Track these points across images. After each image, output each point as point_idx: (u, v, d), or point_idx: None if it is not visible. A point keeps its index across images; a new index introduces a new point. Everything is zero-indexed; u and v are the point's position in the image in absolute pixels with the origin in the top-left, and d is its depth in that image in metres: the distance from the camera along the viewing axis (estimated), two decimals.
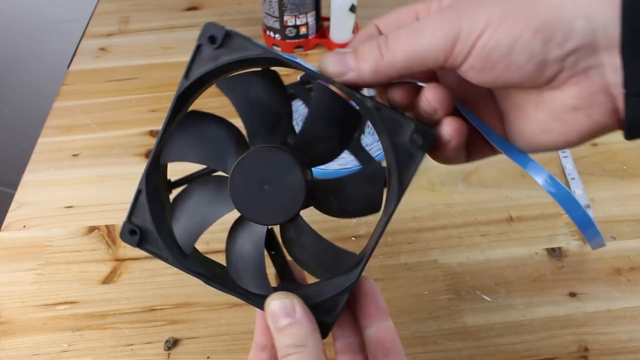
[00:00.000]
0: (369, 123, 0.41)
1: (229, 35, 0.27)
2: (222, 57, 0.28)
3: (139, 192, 0.29)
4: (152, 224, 0.28)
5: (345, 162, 0.51)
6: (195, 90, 0.31)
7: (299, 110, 0.57)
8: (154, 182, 0.30)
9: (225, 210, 0.29)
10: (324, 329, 0.26)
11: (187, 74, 0.29)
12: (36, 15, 1.01)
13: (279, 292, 0.26)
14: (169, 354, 0.38)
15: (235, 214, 0.28)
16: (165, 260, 0.28)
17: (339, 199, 0.27)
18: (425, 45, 0.23)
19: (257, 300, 0.27)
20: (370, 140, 0.54)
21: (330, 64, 0.26)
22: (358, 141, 0.53)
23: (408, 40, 0.24)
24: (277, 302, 0.26)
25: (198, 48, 0.28)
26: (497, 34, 0.22)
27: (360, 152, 0.52)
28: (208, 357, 0.38)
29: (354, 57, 0.26)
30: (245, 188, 0.27)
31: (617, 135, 0.59)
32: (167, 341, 0.39)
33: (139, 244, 0.28)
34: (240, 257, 0.28)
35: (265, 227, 0.28)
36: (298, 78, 0.60)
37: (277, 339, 0.25)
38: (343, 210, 0.28)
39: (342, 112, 0.26)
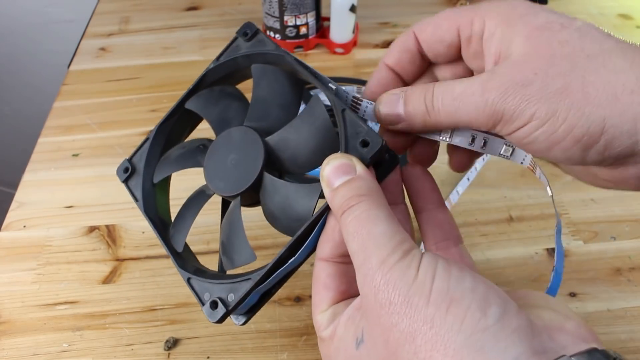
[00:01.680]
0: None
1: (257, 32, 0.31)
2: (244, 48, 0.32)
3: (146, 138, 0.34)
4: (143, 164, 0.33)
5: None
6: (221, 76, 0.35)
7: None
8: (168, 129, 0.35)
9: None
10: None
11: (218, 58, 0.34)
12: (36, 15, 1.01)
13: (336, 154, 0.24)
14: (169, 354, 0.38)
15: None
16: (135, 200, 0.32)
17: (292, 149, 0.28)
18: (466, 118, 0.24)
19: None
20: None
21: (384, 108, 0.27)
22: None
23: (451, 106, 0.24)
24: (334, 162, 0.24)
25: (234, 39, 0.32)
26: (537, 133, 0.22)
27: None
28: (208, 357, 0.38)
29: (405, 106, 0.26)
30: (216, 166, 0.29)
31: None
32: (167, 341, 0.39)
33: (125, 180, 0.32)
34: (227, 239, 0.29)
35: (237, 199, 0.29)
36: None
37: (334, 199, 0.23)
38: (295, 163, 0.28)
39: (287, 83, 0.30)
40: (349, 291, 0.25)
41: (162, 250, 0.45)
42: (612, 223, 0.47)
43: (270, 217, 0.28)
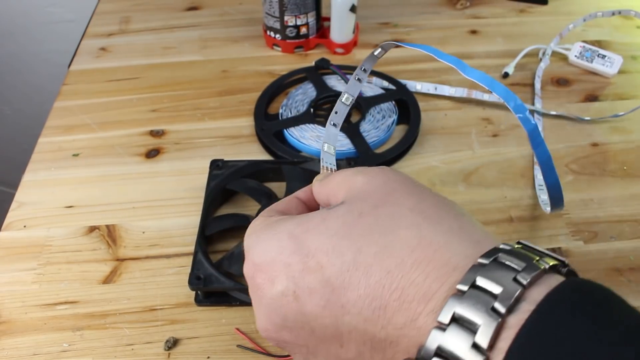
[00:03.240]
0: (370, 110, 0.55)
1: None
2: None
3: (196, 253, 0.42)
4: (213, 269, 0.40)
5: (340, 145, 0.52)
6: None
7: (307, 92, 0.59)
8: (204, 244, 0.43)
9: None
10: None
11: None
12: (37, 15, 1.01)
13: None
14: (169, 354, 0.38)
15: None
16: (230, 288, 0.40)
17: None
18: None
19: None
20: (369, 127, 0.54)
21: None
22: (357, 127, 0.54)
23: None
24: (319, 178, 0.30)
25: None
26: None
27: (356, 137, 0.52)
28: (208, 357, 0.38)
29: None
30: None
31: (617, 136, 0.59)
32: (167, 341, 0.39)
33: (205, 285, 0.39)
34: None
35: None
36: (313, 63, 0.61)
37: (324, 179, 0.29)
38: None
39: (307, 176, 0.46)
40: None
41: (163, 250, 0.45)
42: (612, 223, 0.47)
43: None
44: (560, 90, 0.61)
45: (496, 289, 0.19)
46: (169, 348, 0.39)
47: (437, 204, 0.24)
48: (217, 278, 0.40)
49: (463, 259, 0.21)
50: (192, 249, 0.43)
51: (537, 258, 0.21)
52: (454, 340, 0.19)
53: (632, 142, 0.54)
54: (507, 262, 0.20)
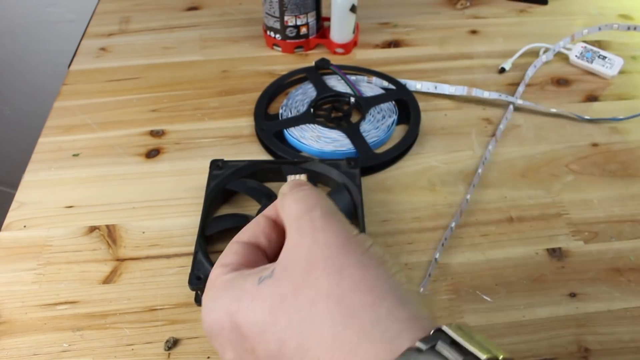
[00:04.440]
0: (370, 110, 0.56)
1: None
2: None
3: (196, 253, 0.41)
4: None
5: (340, 145, 0.52)
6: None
7: (307, 92, 0.59)
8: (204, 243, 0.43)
9: None
10: None
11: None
12: (37, 14, 1.01)
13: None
14: (169, 354, 0.38)
15: None
16: None
17: None
18: None
19: None
20: (369, 127, 0.54)
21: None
22: (357, 127, 0.54)
23: None
24: (288, 184, 0.29)
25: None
26: None
27: (356, 137, 0.53)
28: (208, 357, 0.38)
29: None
30: None
31: (617, 136, 0.60)
32: (167, 341, 0.39)
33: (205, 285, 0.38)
34: None
35: None
36: (314, 63, 0.61)
37: (284, 197, 0.28)
38: None
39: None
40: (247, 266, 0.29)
41: (163, 250, 0.45)
42: (612, 223, 0.47)
43: None
44: (560, 90, 0.61)
45: None
46: (169, 348, 0.39)
47: (358, 284, 0.23)
48: None
49: None
50: (192, 249, 0.43)
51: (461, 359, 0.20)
52: None
53: (632, 142, 0.54)
54: None
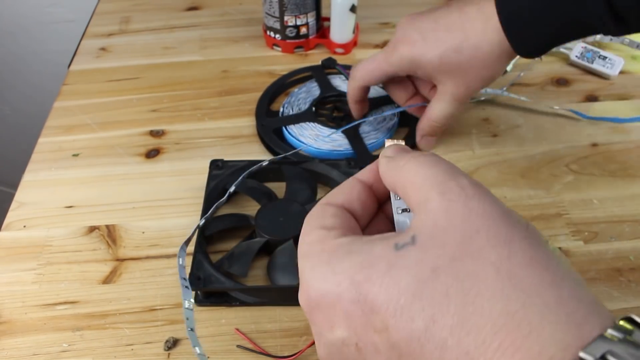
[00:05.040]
0: (372, 111, 0.57)
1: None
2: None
3: (196, 253, 0.42)
4: (213, 269, 0.40)
5: (338, 145, 0.52)
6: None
7: (311, 91, 0.59)
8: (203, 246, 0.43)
9: (260, 243, 0.43)
10: None
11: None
12: (37, 14, 1.01)
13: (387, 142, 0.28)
14: (169, 354, 0.38)
15: None
16: (230, 288, 0.40)
17: None
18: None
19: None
20: (368, 130, 0.54)
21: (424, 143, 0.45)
22: (356, 127, 0.54)
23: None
24: (390, 147, 0.26)
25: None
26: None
27: (355, 138, 0.53)
28: (208, 357, 0.38)
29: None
30: (269, 223, 0.44)
31: (618, 136, 0.59)
32: (167, 341, 0.39)
33: (205, 285, 0.39)
34: (281, 268, 0.42)
35: (291, 239, 0.42)
36: (320, 62, 0.61)
37: (398, 160, 0.25)
38: None
39: (307, 176, 0.48)
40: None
41: (163, 250, 0.45)
42: (612, 223, 0.47)
43: None
44: (560, 90, 0.61)
45: None
46: (169, 348, 0.39)
47: (530, 260, 0.19)
48: (217, 278, 0.40)
49: (560, 351, 0.17)
50: (192, 249, 0.43)
51: None
52: None
53: (632, 142, 0.54)
54: None
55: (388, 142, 0.27)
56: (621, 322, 0.18)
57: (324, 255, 0.22)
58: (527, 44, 0.42)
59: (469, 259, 0.19)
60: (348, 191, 0.26)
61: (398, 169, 0.24)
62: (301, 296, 0.23)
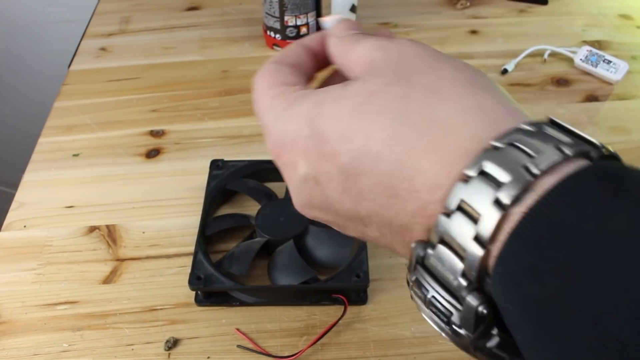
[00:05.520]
0: None
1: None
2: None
3: (196, 253, 0.42)
4: (214, 269, 0.40)
5: None
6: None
7: None
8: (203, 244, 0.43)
9: (260, 243, 0.43)
10: None
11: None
12: (37, 15, 1.01)
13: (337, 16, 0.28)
14: (169, 354, 0.38)
15: None
16: (230, 288, 0.40)
17: None
18: None
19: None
20: None
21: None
22: None
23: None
24: (342, 22, 0.26)
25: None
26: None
27: None
28: (208, 357, 0.38)
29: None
30: (270, 223, 0.44)
31: (618, 136, 0.59)
32: (167, 341, 0.39)
33: (205, 285, 0.39)
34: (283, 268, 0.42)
35: (291, 240, 0.42)
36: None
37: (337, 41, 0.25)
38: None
39: None
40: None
41: (163, 250, 0.45)
42: None
43: (314, 248, 0.43)
44: (560, 90, 0.61)
45: (504, 177, 0.17)
46: (169, 348, 0.39)
47: (457, 80, 0.21)
48: (218, 278, 0.40)
49: (477, 143, 0.19)
50: (192, 249, 0.43)
51: (566, 141, 0.18)
52: (457, 229, 0.18)
53: (632, 142, 0.54)
54: (523, 147, 0.18)
55: (331, 18, 0.27)
56: (538, 121, 0.19)
57: (282, 104, 0.24)
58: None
59: (402, 83, 0.21)
60: (295, 54, 0.27)
61: (345, 47, 0.25)
62: (268, 143, 0.25)
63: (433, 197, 0.19)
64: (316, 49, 0.28)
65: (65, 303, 0.42)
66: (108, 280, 0.43)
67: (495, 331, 0.19)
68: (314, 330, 0.39)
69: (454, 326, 0.19)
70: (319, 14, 0.66)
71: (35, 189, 0.51)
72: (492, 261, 0.17)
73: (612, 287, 0.15)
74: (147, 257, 0.45)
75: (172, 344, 0.39)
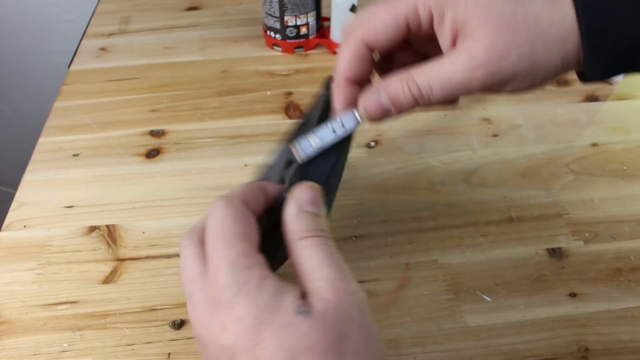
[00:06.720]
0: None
1: None
2: None
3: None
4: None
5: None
6: None
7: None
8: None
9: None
10: None
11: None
12: (37, 14, 1.01)
13: (308, 182, 0.29)
14: (169, 354, 0.38)
15: None
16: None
17: None
18: (457, 93, 0.29)
19: None
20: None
21: (371, 111, 0.30)
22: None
23: (442, 90, 0.29)
24: (309, 190, 0.28)
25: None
26: (522, 86, 0.31)
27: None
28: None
29: (391, 103, 0.30)
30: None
31: (618, 136, 0.59)
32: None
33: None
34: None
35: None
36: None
37: (296, 219, 0.27)
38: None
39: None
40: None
41: (163, 250, 0.45)
42: (612, 223, 0.47)
43: None
44: (560, 90, 0.61)
45: None
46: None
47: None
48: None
49: None
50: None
51: None
52: None
53: (632, 142, 0.54)
54: None
55: (294, 192, 0.28)
56: None
57: (206, 317, 0.27)
58: (603, 42, 0.30)
59: (333, 349, 0.23)
60: (253, 198, 0.29)
61: (299, 248, 0.26)
62: (194, 330, 0.28)
63: None
64: (272, 194, 0.30)
65: (65, 303, 0.42)
66: (108, 280, 0.43)
67: None
68: None
69: None
70: (319, 14, 0.66)
71: (35, 189, 0.51)
72: None
73: None
74: (147, 257, 0.45)
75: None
